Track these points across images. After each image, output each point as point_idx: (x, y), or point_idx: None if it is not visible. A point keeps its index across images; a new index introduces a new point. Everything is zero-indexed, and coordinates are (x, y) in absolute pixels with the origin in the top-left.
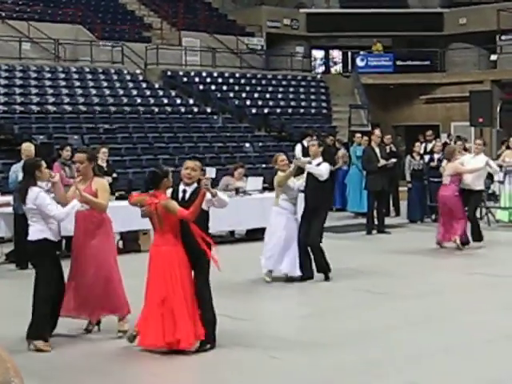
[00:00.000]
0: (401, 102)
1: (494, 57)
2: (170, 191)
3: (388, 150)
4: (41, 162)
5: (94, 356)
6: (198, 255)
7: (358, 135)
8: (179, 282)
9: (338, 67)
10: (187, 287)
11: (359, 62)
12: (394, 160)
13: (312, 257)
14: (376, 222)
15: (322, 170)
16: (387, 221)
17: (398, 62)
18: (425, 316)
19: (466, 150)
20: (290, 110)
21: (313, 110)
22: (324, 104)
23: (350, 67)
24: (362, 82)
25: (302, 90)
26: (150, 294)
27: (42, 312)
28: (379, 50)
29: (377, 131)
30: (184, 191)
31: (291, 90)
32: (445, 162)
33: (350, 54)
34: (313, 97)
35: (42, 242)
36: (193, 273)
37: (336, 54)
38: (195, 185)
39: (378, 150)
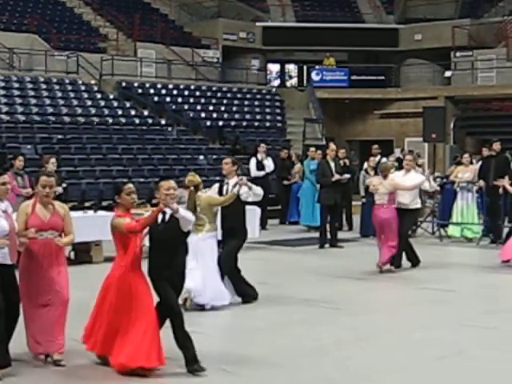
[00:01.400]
0: (355, 116)
1: (448, 73)
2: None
3: (342, 164)
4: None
5: None
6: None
7: (312, 149)
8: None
9: (294, 81)
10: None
11: (314, 76)
12: (347, 176)
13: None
14: (329, 236)
15: (260, 191)
16: (340, 235)
17: (353, 77)
18: (375, 332)
19: (419, 165)
20: (244, 123)
21: (267, 123)
22: (279, 117)
23: (305, 81)
24: (317, 96)
25: (256, 103)
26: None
27: None
28: (332, 65)
29: (332, 145)
30: (163, 213)
31: (246, 103)
32: (376, 179)
33: (305, 68)
34: (268, 110)
35: None
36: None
37: (291, 68)
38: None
39: (332, 164)
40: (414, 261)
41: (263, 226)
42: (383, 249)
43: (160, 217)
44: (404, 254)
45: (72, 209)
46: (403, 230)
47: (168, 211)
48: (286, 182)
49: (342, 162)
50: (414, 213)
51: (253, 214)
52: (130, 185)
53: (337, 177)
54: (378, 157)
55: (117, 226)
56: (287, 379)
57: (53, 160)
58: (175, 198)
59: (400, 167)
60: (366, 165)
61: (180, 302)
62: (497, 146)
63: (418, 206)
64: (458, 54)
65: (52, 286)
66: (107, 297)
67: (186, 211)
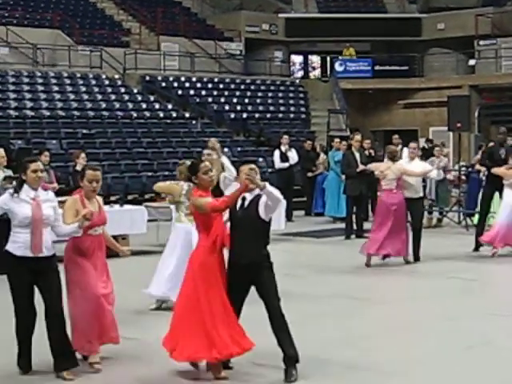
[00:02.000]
0: (379, 106)
1: (472, 62)
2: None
3: (367, 155)
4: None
5: None
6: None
7: (337, 140)
8: (190, 290)
9: (317, 72)
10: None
11: (338, 67)
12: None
13: None
14: (355, 227)
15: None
16: (366, 225)
17: (377, 67)
18: (404, 323)
19: (444, 155)
20: (268, 115)
21: (291, 115)
22: (302, 109)
23: (328, 72)
24: (341, 86)
25: (280, 94)
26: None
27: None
28: (352, 55)
29: (357, 136)
30: (243, 198)
31: (270, 94)
32: (383, 165)
33: (328, 58)
34: (291, 102)
35: (7, 253)
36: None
37: (315, 59)
38: (257, 191)
39: (357, 155)
40: (417, 256)
41: (289, 217)
42: (396, 240)
43: (239, 203)
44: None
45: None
46: (416, 224)
47: (248, 196)
48: (310, 174)
49: (367, 152)
50: (420, 202)
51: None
52: (207, 163)
53: (362, 167)
54: (400, 146)
55: (199, 206)
56: (316, 371)
57: (83, 155)
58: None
59: (424, 156)
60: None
61: None
62: None
63: (421, 194)
64: (481, 42)
65: (105, 282)
66: (197, 288)
67: (274, 188)
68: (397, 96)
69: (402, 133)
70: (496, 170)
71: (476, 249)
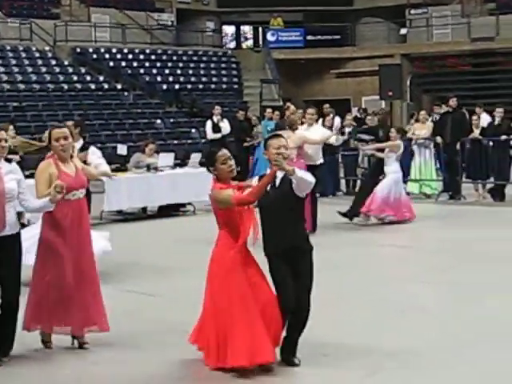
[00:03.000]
0: (312, 76)
1: (403, 31)
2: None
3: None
4: None
5: None
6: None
7: (269, 110)
8: (210, 291)
9: (249, 42)
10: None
11: (270, 37)
12: None
13: None
14: None
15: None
16: None
17: (309, 37)
18: (339, 290)
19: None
20: (201, 86)
21: (224, 86)
22: (235, 79)
23: (260, 42)
24: (273, 57)
25: (212, 65)
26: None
27: None
28: (280, 25)
29: (292, 106)
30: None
31: (202, 65)
32: (286, 133)
33: (260, 29)
34: (224, 72)
35: None
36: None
37: (247, 30)
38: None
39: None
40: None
41: None
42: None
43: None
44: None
45: (28, 177)
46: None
47: (279, 174)
48: (246, 144)
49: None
50: (320, 168)
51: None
52: (225, 151)
53: None
54: (331, 115)
55: (222, 200)
56: None
57: (11, 127)
58: (288, 158)
59: (358, 126)
60: (320, 124)
61: None
62: (453, 102)
63: (321, 161)
64: (412, 11)
65: (87, 255)
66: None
67: (304, 172)
68: (329, 65)
69: (335, 102)
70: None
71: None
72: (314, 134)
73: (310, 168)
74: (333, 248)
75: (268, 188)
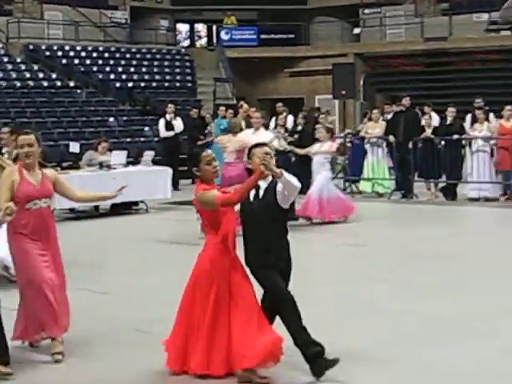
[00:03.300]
0: (266, 75)
1: (356, 30)
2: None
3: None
4: None
5: None
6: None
7: (222, 108)
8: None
9: (203, 41)
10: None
11: (224, 36)
12: None
13: None
14: None
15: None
16: None
17: (263, 36)
18: (293, 288)
19: (329, 123)
20: (154, 84)
21: (177, 84)
22: (189, 77)
23: (214, 41)
24: (227, 55)
25: (166, 63)
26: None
27: None
28: (233, 24)
29: (245, 105)
30: (257, 187)
31: (156, 63)
32: (226, 137)
33: (214, 27)
34: (177, 70)
35: None
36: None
37: (201, 28)
38: (270, 178)
39: (243, 123)
40: None
41: (175, 186)
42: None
43: (252, 193)
44: None
45: None
46: None
47: (263, 184)
48: (199, 142)
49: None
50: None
51: (164, 175)
52: (209, 151)
53: None
54: (284, 114)
55: (207, 202)
56: None
57: None
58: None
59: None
60: (273, 123)
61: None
62: (406, 101)
63: None
64: (366, 10)
65: (53, 264)
66: (205, 296)
67: (290, 175)
68: (283, 64)
69: (289, 101)
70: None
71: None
72: (258, 138)
73: (251, 172)
74: None
75: (251, 199)
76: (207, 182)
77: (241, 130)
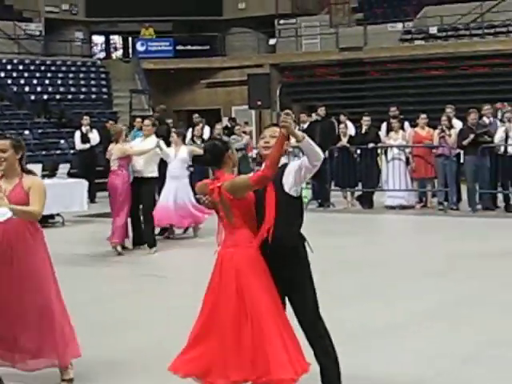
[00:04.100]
0: (182, 86)
1: (272, 41)
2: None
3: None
4: None
5: None
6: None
7: (139, 120)
8: (258, 299)
9: (119, 53)
10: (269, 305)
11: (139, 47)
12: None
13: None
14: None
15: None
16: None
17: (178, 47)
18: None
19: (244, 132)
20: (69, 96)
21: (93, 96)
22: (104, 89)
23: (130, 52)
24: (143, 67)
25: (81, 75)
26: (215, 316)
27: None
28: (151, 35)
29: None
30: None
31: (71, 75)
32: (112, 145)
33: (130, 39)
34: (93, 82)
35: None
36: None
37: (116, 39)
38: (284, 160)
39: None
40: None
41: (92, 199)
42: (115, 224)
43: None
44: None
45: None
46: (145, 203)
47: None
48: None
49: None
50: (150, 183)
51: (80, 187)
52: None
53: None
54: (201, 125)
55: (239, 187)
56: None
57: None
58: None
59: (227, 135)
60: (189, 134)
61: None
62: (322, 110)
63: (155, 174)
64: (281, 21)
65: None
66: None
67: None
68: (199, 75)
69: (206, 112)
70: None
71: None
72: (141, 144)
73: (138, 181)
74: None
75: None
76: (229, 172)
77: (126, 136)
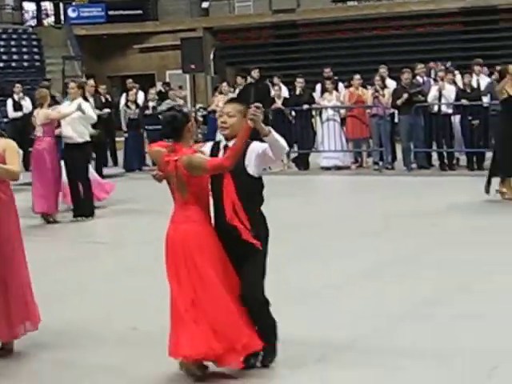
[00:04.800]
0: (115, 52)
1: (205, 4)
2: (208, 147)
3: (104, 100)
4: None
5: None
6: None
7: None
8: (209, 276)
9: (51, 19)
10: (220, 283)
11: (71, 13)
12: (107, 110)
13: None
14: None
15: None
16: (105, 171)
17: (111, 12)
18: (132, 264)
19: (181, 98)
20: (1, 64)
21: (25, 64)
22: (37, 57)
23: (62, 19)
24: (75, 33)
25: (13, 43)
26: (173, 295)
27: None
28: (82, 1)
29: (90, 81)
30: (226, 147)
31: (2, 43)
32: (36, 110)
33: (61, 5)
34: (25, 50)
35: None
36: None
37: (48, 6)
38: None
39: (91, 100)
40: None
41: (26, 167)
42: (36, 195)
43: (221, 153)
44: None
45: None
46: (77, 170)
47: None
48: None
49: (103, 97)
50: (83, 148)
51: None
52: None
53: (97, 112)
54: (134, 90)
55: (197, 165)
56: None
57: None
58: (230, 127)
59: (161, 99)
60: (123, 99)
61: None
62: (256, 73)
63: (86, 138)
64: None
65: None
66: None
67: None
68: (132, 40)
69: (140, 77)
70: None
71: None
72: (65, 108)
73: (69, 148)
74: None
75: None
76: (187, 146)
77: (54, 100)
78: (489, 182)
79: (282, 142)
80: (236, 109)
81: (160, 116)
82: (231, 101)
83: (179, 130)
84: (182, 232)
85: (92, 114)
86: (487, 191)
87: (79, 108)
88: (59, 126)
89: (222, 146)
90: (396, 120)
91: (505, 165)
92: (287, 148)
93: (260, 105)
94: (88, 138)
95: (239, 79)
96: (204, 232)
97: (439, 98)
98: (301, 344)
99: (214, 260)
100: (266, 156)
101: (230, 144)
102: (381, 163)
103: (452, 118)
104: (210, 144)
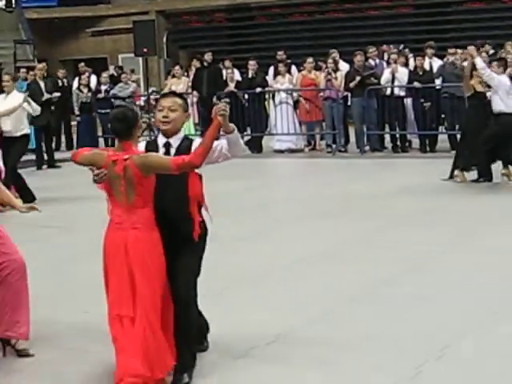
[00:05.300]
0: (67, 35)
1: None
2: (141, 145)
3: (60, 84)
4: None
5: None
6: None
7: (23, 70)
8: (144, 297)
9: (1, 3)
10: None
11: None
12: (57, 94)
13: None
14: (46, 157)
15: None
16: (58, 155)
17: None
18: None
19: (133, 81)
20: None
21: None
22: None
23: (13, 2)
24: (26, 16)
25: None
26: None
27: None
28: None
29: (40, 65)
30: (167, 145)
31: None
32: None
33: None
34: None
35: None
36: None
37: None
38: (181, 135)
39: (42, 84)
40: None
41: None
42: None
43: (162, 151)
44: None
45: None
46: (10, 162)
47: (174, 142)
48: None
49: (60, 82)
50: (22, 141)
51: None
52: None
53: (47, 96)
54: (87, 74)
55: (157, 166)
56: None
57: None
58: (172, 122)
59: (113, 83)
60: (76, 83)
61: None
62: (208, 56)
63: (26, 131)
64: None
65: None
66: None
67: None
68: (85, 24)
69: (92, 61)
70: None
71: None
72: (7, 102)
73: (8, 141)
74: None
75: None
76: (135, 144)
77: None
78: (452, 171)
79: (241, 141)
80: (177, 103)
81: (110, 111)
82: (169, 94)
83: (130, 129)
84: (127, 239)
85: (36, 106)
86: (451, 177)
87: (26, 100)
88: None
89: (161, 143)
90: (349, 103)
91: (465, 158)
92: (247, 150)
93: (228, 100)
94: (28, 131)
95: (195, 62)
96: (151, 240)
97: (392, 81)
98: (246, 326)
99: (153, 280)
100: (219, 152)
101: (171, 141)
102: (334, 146)
103: (404, 100)
104: (142, 143)
